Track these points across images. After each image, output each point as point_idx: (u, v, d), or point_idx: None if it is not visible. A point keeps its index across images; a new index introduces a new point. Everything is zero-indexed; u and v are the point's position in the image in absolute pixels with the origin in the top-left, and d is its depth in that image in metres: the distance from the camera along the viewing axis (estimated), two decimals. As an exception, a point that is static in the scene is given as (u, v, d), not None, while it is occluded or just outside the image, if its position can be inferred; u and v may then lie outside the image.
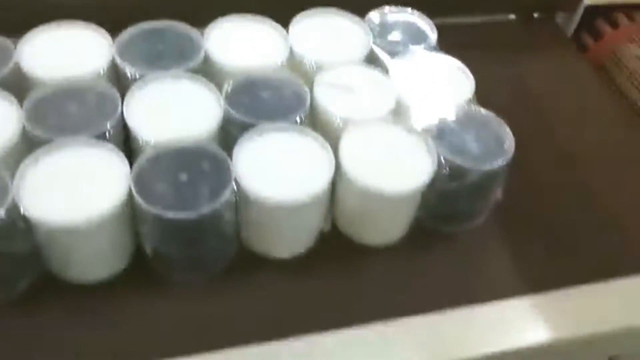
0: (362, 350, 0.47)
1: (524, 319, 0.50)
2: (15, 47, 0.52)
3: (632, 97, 0.73)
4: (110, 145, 0.46)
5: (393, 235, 0.53)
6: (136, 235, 0.47)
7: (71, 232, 0.43)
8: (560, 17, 0.79)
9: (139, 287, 0.47)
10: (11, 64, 0.50)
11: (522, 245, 0.55)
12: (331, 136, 0.50)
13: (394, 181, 0.48)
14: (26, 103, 0.48)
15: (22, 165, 0.44)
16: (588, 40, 0.80)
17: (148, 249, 0.46)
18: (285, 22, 0.59)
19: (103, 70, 0.52)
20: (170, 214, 0.43)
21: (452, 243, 0.54)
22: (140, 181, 0.44)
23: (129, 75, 0.52)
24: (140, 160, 0.45)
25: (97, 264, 0.46)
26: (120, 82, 0.52)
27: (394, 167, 0.49)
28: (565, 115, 0.66)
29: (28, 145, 0.46)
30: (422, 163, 0.49)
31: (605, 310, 0.51)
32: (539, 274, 0.53)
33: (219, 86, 0.52)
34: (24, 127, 0.46)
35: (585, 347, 0.52)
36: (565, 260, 0.54)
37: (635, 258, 0.55)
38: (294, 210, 0.47)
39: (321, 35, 0.59)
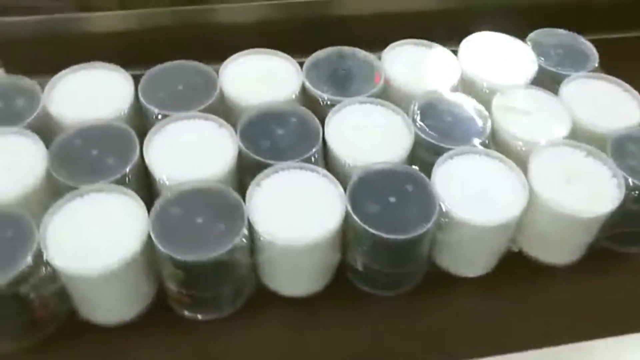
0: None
1: None
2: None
3: None
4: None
5: (574, 255, 0.54)
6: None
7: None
8: None
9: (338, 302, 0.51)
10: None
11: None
12: (512, 158, 0.53)
13: (584, 204, 0.49)
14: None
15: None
16: None
17: (360, 266, 0.49)
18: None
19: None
20: (384, 235, 0.46)
21: (629, 263, 0.55)
22: (353, 201, 0.48)
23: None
24: (352, 182, 0.49)
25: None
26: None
27: (582, 190, 0.51)
28: None
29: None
30: (608, 186, 0.51)
31: None
32: None
33: (405, 109, 0.55)
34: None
35: None
36: None
37: None
38: (490, 231, 0.49)
39: (488, 57, 0.61)
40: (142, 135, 0.52)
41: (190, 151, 0.50)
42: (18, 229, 0.44)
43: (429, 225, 0.47)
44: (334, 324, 0.50)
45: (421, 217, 0.47)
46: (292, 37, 0.62)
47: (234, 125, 0.53)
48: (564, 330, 0.50)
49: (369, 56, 0.60)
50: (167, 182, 0.48)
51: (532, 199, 0.51)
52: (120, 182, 0.48)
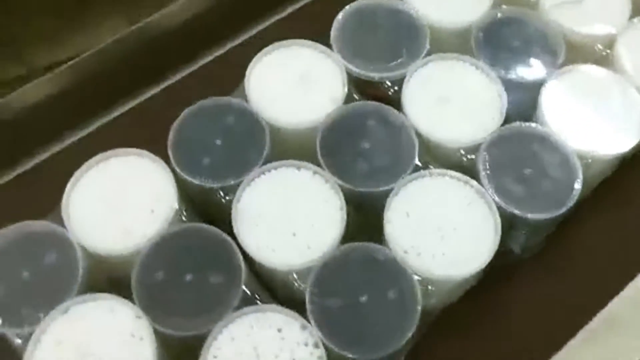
0: None
1: None
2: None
3: None
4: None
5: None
6: None
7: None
8: None
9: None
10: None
11: None
12: (590, 60, 0.48)
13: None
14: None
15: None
16: None
17: (518, 249, 0.44)
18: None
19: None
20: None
21: None
22: (499, 191, 0.41)
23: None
24: (483, 169, 0.42)
25: None
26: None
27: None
28: None
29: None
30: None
31: None
32: None
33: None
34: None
35: None
36: None
37: None
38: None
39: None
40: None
41: (293, 219, 0.40)
42: None
43: (580, 178, 0.42)
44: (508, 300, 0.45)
45: (566, 171, 0.43)
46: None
47: (298, 157, 0.42)
48: None
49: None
50: (300, 283, 0.38)
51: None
52: (249, 302, 0.37)
